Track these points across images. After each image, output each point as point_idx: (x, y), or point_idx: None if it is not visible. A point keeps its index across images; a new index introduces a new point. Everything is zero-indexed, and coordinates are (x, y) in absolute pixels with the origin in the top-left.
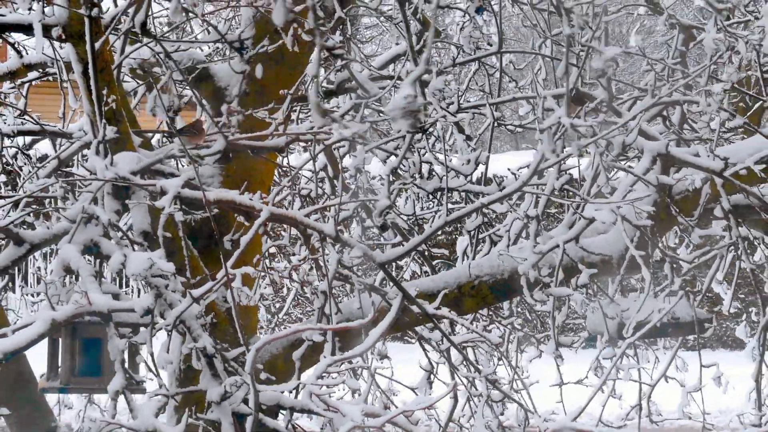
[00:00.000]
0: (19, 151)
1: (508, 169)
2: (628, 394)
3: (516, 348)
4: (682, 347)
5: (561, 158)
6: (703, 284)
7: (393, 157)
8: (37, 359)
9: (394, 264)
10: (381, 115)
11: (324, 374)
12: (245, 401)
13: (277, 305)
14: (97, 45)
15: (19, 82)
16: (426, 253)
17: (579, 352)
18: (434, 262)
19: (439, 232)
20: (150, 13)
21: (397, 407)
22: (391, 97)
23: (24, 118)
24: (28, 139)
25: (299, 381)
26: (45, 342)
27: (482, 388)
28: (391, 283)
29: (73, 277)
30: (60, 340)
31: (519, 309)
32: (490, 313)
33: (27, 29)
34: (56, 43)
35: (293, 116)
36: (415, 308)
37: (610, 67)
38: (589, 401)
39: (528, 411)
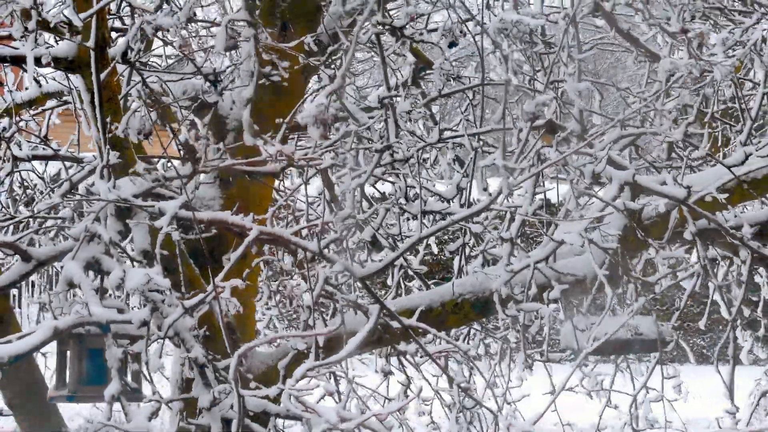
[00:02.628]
0: (36, 175)
1: (484, 189)
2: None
3: (508, 361)
4: (649, 361)
5: (526, 177)
6: (670, 302)
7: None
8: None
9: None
10: (370, 142)
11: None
12: (233, 407)
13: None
14: (103, 75)
15: (40, 109)
16: (408, 271)
17: (568, 364)
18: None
19: (425, 253)
20: (130, 46)
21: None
22: (380, 126)
23: (46, 145)
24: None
25: (283, 387)
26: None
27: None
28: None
29: (76, 290)
30: (68, 352)
31: (509, 323)
32: (483, 327)
33: (39, 61)
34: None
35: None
36: (394, 323)
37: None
38: (548, 407)
39: (495, 414)
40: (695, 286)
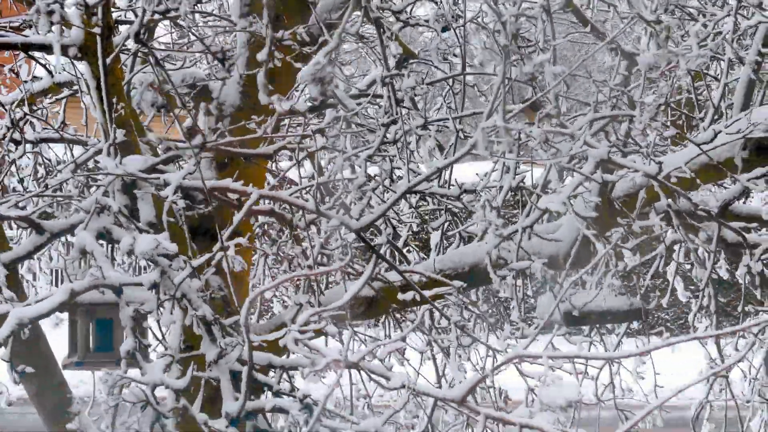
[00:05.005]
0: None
1: (476, 174)
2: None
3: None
4: (625, 335)
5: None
6: (643, 278)
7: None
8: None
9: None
10: (359, 127)
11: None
12: (239, 361)
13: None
14: (108, 60)
15: (53, 99)
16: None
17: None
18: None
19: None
20: (143, 25)
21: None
22: (367, 113)
23: (56, 131)
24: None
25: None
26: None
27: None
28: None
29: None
30: (78, 322)
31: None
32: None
33: (48, 49)
34: (76, 62)
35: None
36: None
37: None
38: (537, 332)
39: (494, 350)
40: (659, 266)
